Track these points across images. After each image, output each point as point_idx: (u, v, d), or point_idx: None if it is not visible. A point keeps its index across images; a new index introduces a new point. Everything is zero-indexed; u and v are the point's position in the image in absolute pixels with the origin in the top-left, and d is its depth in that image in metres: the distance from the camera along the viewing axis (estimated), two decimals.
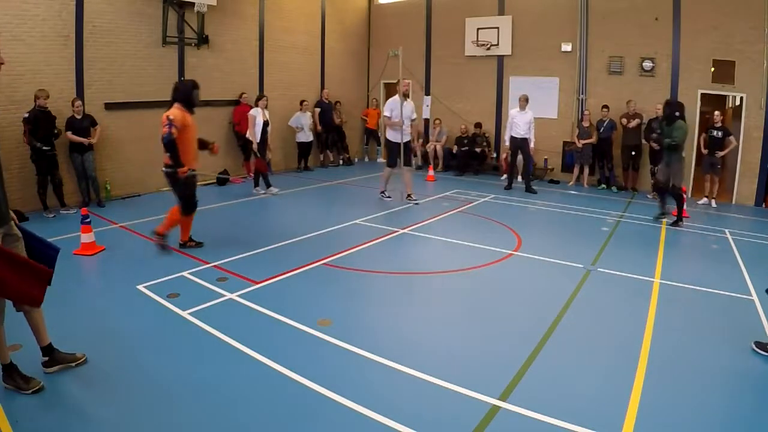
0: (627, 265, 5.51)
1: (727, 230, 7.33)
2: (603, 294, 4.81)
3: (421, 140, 12.69)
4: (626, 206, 8.82)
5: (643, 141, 9.64)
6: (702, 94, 9.55)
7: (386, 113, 8.39)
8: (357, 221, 7.14)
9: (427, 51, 12.92)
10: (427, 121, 12.89)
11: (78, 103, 7.46)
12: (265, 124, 8.89)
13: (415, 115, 8.68)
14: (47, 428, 2.68)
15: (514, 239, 6.51)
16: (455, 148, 11.83)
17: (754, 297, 4.71)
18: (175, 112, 5.44)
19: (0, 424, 2.66)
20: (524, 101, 9.61)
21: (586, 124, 10.27)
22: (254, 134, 8.79)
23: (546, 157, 11.19)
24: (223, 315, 4.09)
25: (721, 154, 8.77)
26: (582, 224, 7.38)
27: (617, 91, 10.26)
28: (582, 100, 10.75)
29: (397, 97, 8.37)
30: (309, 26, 12.15)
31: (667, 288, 4.94)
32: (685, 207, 8.15)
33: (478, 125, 11.82)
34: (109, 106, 8.25)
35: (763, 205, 9.20)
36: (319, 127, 11.94)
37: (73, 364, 3.24)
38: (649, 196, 9.64)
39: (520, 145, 9.71)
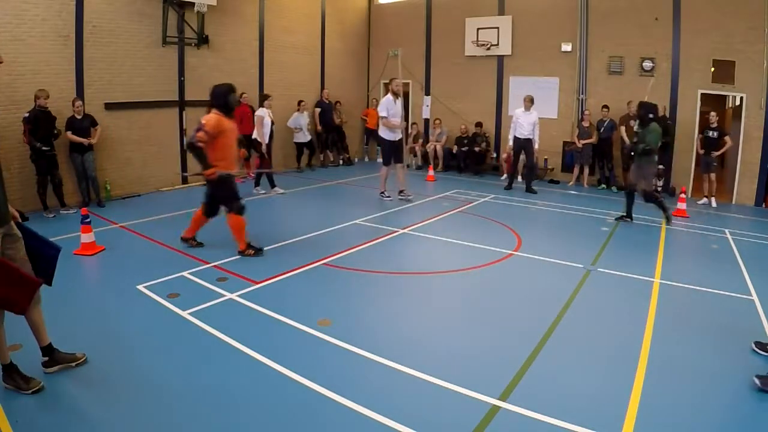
0: (627, 265, 5.51)
1: (727, 230, 7.33)
2: (603, 294, 4.81)
3: (421, 140, 12.73)
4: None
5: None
6: (702, 94, 9.55)
7: (383, 113, 8.41)
8: (357, 221, 7.14)
9: (427, 51, 12.92)
10: (427, 121, 12.90)
11: (78, 103, 7.46)
12: (271, 123, 8.94)
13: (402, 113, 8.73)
14: (47, 428, 2.68)
15: (514, 239, 6.51)
16: (455, 148, 11.83)
17: (754, 297, 4.71)
18: (211, 116, 5.37)
19: (0, 424, 2.66)
20: (529, 102, 9.56)
21: (586, 124, 10.28)
22: (263, 134, 8.78)
23: (546, 157, 11.19)
24: (223, 315, 4.09)
25: (717, 154, 8.78)
26: (582, 224, 7.38)
27: (617, 91, 10.27)
28: (582, 100, 10.75)
29: (390, 96, 8.40)
30: (309, 26, 12.15)
31: (667, 288, 4.94)
32: (685, 207, 8.18)
33: (478, 125, 11.83)
34: (109, 106, 8.25)
35: (763, 205, 9.20)
36: (319, 127, 11.94)
37: (73, 364, 3.24)
38: None
39: (523, 145, 9.67)
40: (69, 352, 3.26)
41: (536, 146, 9.66)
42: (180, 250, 5.71)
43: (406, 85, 12.54)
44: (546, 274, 5.45)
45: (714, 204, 8.96)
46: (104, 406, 2.89)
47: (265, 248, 5.76)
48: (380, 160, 9.24)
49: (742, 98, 9.26)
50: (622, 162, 10.15)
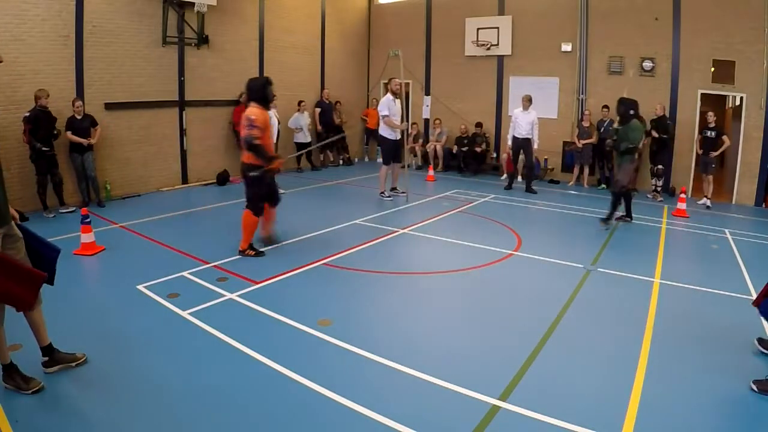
0: (627, 265, 5.51)
1: (727, 230, 7.33)
2: (603, 294, 4.81)
3: (421, 140, 12.73)
4: None
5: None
6: (702, 94, 9.55)
7: (385, 112, 8.44)
8: (357, 221, 7.14)
9: (427, 51, 12.92)
10: (427, 121, 12.90)
11: (78, 103, 7.46)
12: (278, 123, 9.00)
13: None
14: (47, 428, 2.68)
15: (514, 239, 6.51)
16: (455, 148, 11.83)
17: (754, 297, 4.70)
18: (256, 111, 5.34)
19: (0, 424, 2.66)
20: (527, 101, 9.59)
21: (586, 124, 10.28)
22: (272, 134, 8.78)
23: (546, 157, 11.19)
24: (223, 315, 4.09)
25: (715, 154, 8.77)
26: (582, 224, 7.37)
27: (617, 91, 10.24)
28: (582, 100, 10.75)
29: (390, 95, 8.44)
30: (309, 26, 12.15)
31: (667, 288, 4.94)
32: (685, 207, 8.17)
33: (478, 125, 11.83)
34: (109, 106, 8.25)
35: (763, 205, 9.20)
36: (319, 127, 11.94)
37: (73, 364, 3.24)
38: (649, 196, 9.66)
39: (522, 145, 9.68)
40: (69, 352, 3.26)
41: (535, 146, 9.68)
42: (180, 250, 5.70)
43: (406, 85, 12.54)
44: (546, 274, 5.44)
45: (709, 204, 8.94)
46: (104, 406, 2.89)
47: (265, 248, 5.77)
48: (380, 160, 9.27)
49: (742, 98, 9.26)
50: None
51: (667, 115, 9.57)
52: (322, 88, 12.47)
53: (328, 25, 12.61)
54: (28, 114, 6.83)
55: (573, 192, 10.08)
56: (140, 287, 4.59)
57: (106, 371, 3.24)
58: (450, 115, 12.46)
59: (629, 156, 7.05)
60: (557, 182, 10.99)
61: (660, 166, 9.53)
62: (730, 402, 3.08)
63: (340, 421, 2.79)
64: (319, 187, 10.01)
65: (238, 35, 10.36)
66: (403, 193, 8.80)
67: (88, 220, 5.65)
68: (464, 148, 11.71)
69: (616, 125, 7.42)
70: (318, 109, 11.93)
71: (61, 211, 7.29)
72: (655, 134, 9.36)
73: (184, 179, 9.65)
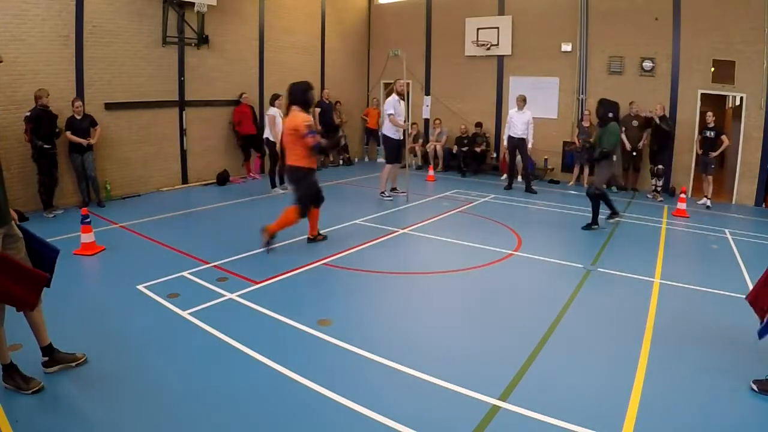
0: (627, 265, 5.51)
1: (727, 230, 7.33)
2: (603, 294, 4.81)
3: (421, 140, 12.73)
4: (626, 206, 8.82)
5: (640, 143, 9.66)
6: (702, 94, 9.55)
7: (390, 111, 8.48)
8: (357, 221, 7.14)
9: (427, 51, 12.92)
10: (427, 121, 12.90)
11: (78, 103, 7.45)
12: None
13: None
14: (47, 428, 2.68)
15: (514, 239, 6.51)
16: (455, 148, 11.83)
17: None
18: (306, 117, 5.60)
19: (0, 424, 2.66)
20: (521, 101, 9.67)
21: (586, 124, 10.27)
22: (276, 134, 8.80)
23: (546, 157, 11.19)
24: (223, 315, 4.09)
25: (714, 154, 8.76)
26: (582, 224, 7.35)
27: (617, 91, 10.25)
28: (582, 100, 10.75)
29: (395, 96, 8.48)
30: (309, 26, 12.15)
31: (667, 288, 4.94)
32: (685, 207, 8.17)
33: (478, 125, 11.83)
34: (109, 106, 8.25)
35: (763, 205, 9.20)
36: (319, 127, 11.92)
37: (73, 364, 3.24)
38: (649, 196, 9.66)
39: (517, 144, 9.75)
40: (69, 352, 3.26)
41: (530, 145, 9.73)
42: (180, 250, 5.70)
43: (407, 85, 12.54)
44: (546, 274, 5.45)
45: (709, 204, 8.93)
46: (104, 406, 2.89)
47: (265, 248, 5.78)
48: (380, 159, 9.29)
49: (742, 98, 9.26)
50: (622, 162, 10.16)
51: (668, 115, 9.56)
52: (322, 88, 12.46)
53: (328, 25, 12.60)
54: (29, 113, 6.83)
55: (573, 192, 10.08)
56: (140, 287, 4.59)
57: (106, 371, 3.24)
58: (450, 115, 12.45)
59: (606, 161, 6.90)
60: (557, 182, 10.99)
61: (660, 166, 9.53)
62: (730, 402, 3.08)
63: (340, 421, 2.79)
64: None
65: (238, 35, 10.36)
66: (403, 193, 8.80)
67: (88, 220, 5.65)
68: (464, 148, 11.71)
69: (596, 127, 7.24)
70: (318, 109, 11.92)
71: (48, 213, 7.11)
72: (663, 126, 9.32)
73: (184, 179, 9.64)
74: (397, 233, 6.64)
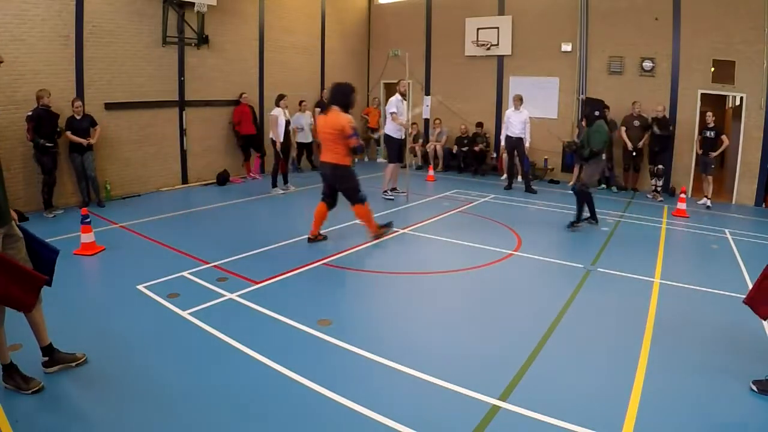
0: (627, 265, 5.51)
1: (727, 230, 7.33)
2: (603, 294, 4.81)
3: (421, 140, 12.73)
4: (626, 206, 8.82)
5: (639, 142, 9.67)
6: (702, 94, 9.55)
7: (393, 109, 8.53)
8: (357, 221, 7.13)
9: (427, 51, 12.91)
10: (427, 121, 12.89)
11: (78, 103, 7.45)
12: (287, 123, 9.09)
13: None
14: (47, 428, 2.68)
15: (514, 239, 6.51)
16: (455, 148, 11.83)
17: None
18: (350, 118, 5.86)
19: (0, 424, 2.66)
20: (518, 101, 9.68)
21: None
22: (278, 134, 8.90)
23: (546, 157, 11.19)
24: (223, 315, 4.09)
25: (715, 154, 8.76)
26: (583, 224, 7.35)
27: (617, 91, 10.27)
28: (582, 100, 10.74)
29: (398, 95, 8.52)
30: (309, 26, 12.15)
31: (667, 288, 4.94)
32: (685, 207, 8.17)
33: (478, 125, 11.83)
34: (109, 106, 8.25)
35: (763, 205, 9.20)
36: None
37: (73, 365, 3.24)
38: (649, 196, 9.66)
39: (515, 144, 9.76)
40: (69, 352, 3.26)
41: (527, 144, 9.75)
42: (180, 250, 5.70)
43: (407, 85, 12.54)
44: (546, 274, 5.45)
45: (709, 204, 8.93)
46: (104, 406, 2.89)
47: (265, 248, 5.78)
48: (381, 159, 9.29)
49: (742, 98, 9.26)
50: (623, 162, 10.16)
51: (668, 115, 9.57)
52: (322, 88, 12.46)
53: (328, 25, 12.60)
54: (30, 113, 6.84)
55: (573, 192, 10.06)
56: (140, 287, 4.59)
57: (106, 371, 3.24)
58: (450, 115, 12.45)
59: (594, 159, 6.87)
60: (557, 182, 10.99)
61: (660, 166, 9.53)
62: (730, 402, 3.08)
63: (340, 421, 2.79)
64: (320, 187, 9.97)
65: (238, 35, 10.36)
66: (403, 193, 8.81)
67: (88, 220, 5.65)
68: (464, 148, 11.71)
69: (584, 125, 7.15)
70: (318, 109, 11.90)
71: (47, 213, 7.08)
72: (656, 130, 9.34)
73: (184, 179, 9.64)
74: (397, 233, 6.63)
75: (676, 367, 3.45)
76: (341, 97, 5.86)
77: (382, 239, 6.23)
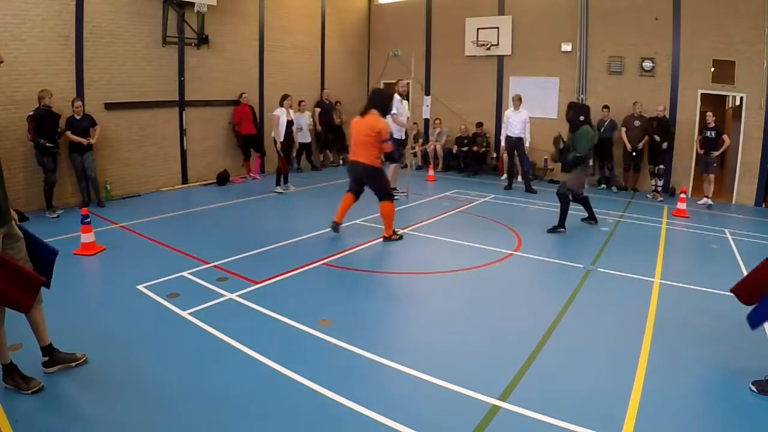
0: (627, 265, 5.51)
1: (727, 230, 7.33)
2: (603, 294, 4.81)
3: (421, 140, 12.73)
4: (626, 206, 8.83)
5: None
6: (702, 94, 9.55)
7: (393, 110, 8.49)
8: (357, 221, 7.14)
9: (427, 51, 12.91)
10: (427, 121, 12.89)
11: (78, 103, 7.45)
12: (290, 123, 9.11)
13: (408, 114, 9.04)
14: (47, 428, 2.68)
15: (514, 239, 6.51)
16: (455, 148, 11.83)
17: None
18: (386, 122, 6.17)
19: (0, 424, 2.66)
20: (517, 101, 9.69)
21: None
22: (279, 133, 8.94)
23: (546, 157, 11.18)
24: (223, 315, 4.09)
25: (716, 153, 8.77)
26: (582, 224, 7.36)
27: (617, 91, 10.27)
28: (582, 100, 10.74)
29: (397, 96, 8.50)
30: (309, 26, 12.14)
31: (667, 288, 4.94)
32: (685, 207, 8.16)
33: (478, 125, 11.83)
34: (109, 106, 8.25)
35: (763, 205, 9.20)
36: (318, 127, 11.94)
37: (73, 365, 3.24)
38: (649, 196, 9.66)
39: (515, 144, 9.77)
40: (69, 352, 3.26)
41: (527, 144, 9.76)
42: (180, 250, 5.70)
43: (406, 85, 12.53)
44: (546, 274, 5.45)
45: (710, 203, 8.93)
46: (104, 406, 2.89)
47: (265, 248, 5.78)
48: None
49: (742, 98, 9.26)
50: (623, 162, 10.16)
51: (667, 115, 9.57)
52: (322, 88, 12.47)
53: (328, 25, 12.60)
54: (32, 113, 6.84)
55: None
56: (140, 287, 4.59)
57: (106, 371, 3.24)
58: (450, 115, 12.45)
59: (581, 166, 6.77)
60: (557, 182, 10.95)
61: (661, 166, 9.53)
62: (730, 402, 3.08)
63: (340, 421, 2.79)
64: (320, 187, 10.01)
65: (238, 35, 10.36)
66: (403, 193, 8.80)
67: (88, 220, 5.65)
68: (464, 148, 11.71)
69: (567, 132, 7.02)
70: (318, 109, 11.93)
71: (48, 215, 7.06)
72: (657, 138, 9.33)
73: (184, 179, 9.65)
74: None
75: (676, 367, 3.45)
76: (380, 102, 6.14)
77: (388, 243, 6.24)
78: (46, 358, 3.16)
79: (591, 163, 7.02)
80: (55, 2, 7.39)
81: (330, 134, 12.36)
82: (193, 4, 8.97)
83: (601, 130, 10.05)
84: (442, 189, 9.86)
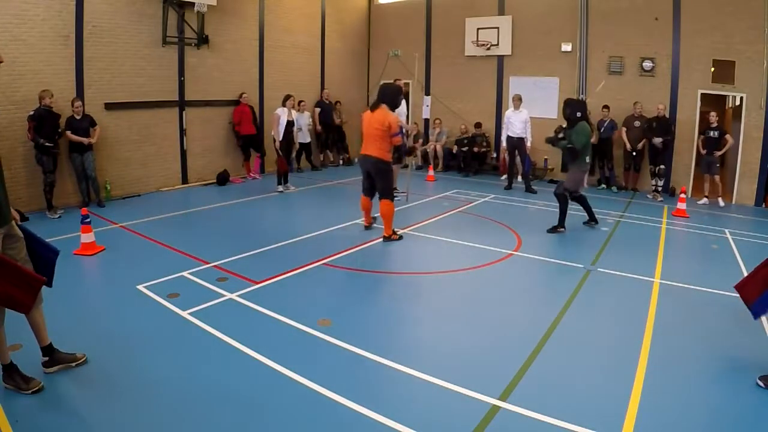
0: (627, 265, 5.51)
1: (727, 230, 7.33)
2: (603, 294, 4.81)
3: (420, 140, 12.72)
4: (626, 206, 8.83)
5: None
6: (702, 94, 9.55)
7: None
8: (357, 221, 7.13)
9: (427, 51, 12.91)
10: (427, 121, 12.89)
11: (78, 103, 7.45)
12: (290, 123, 9.14)
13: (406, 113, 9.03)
14: (47, 428, 2.68)
15: (514, 239, 6.51)
16: (455, 148, 11.83)
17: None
18: (396, 116, 6.27)
19: (0, 424, 2.66)
20: (518, 100, 9.70)
21: None
22: (278, 132, 8.99)
23: (546, 157, 11.19)
24: (223, 315, 4.09)
25: (719, 153, 8.77)
26: (581, 224, 7.36)
27: (617, 91, 10.27)
28: (582, 100, 10.74)
29: None
30: (309, 26, 12.14)
31: (667, 288, 4.94)
32: (685, 207, 8.16)
33: (478, 125, 11.82)
34: (109, 106, 8.25)
35: (763, 205, 9.20)
36: (318, 127, 11.94)
37: (73, 365, 3.24)
38: (649, 196, 9.66)
39: (516, 144, 9.77)
40: (69, 352, 3.26)
41: (529, 144, 9.76)
42: (180, 250, 5.70)
43: (407, 84, 12.55)
44: (546, 274, 5.45)
45: (722, 204, 8.95)
46: (104, 406, 2.89)
47: (265, 248, 5.78)
48: None
49: (742, 98, 9.26)
50: (624, 162, 10.16)
51: (668, 115, 9.57)
52: (322, 88, 12.47)
53: (328, 25, 12.60)
54: (32, 113, 6.84)
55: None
56: (140, 287, 4.59)
57: (106, 371, 3.24)
58: (450, 115, 12.45)
59: (578, 160, 6.74)
60: (557, 182, 10.96)
61: (661, 166, 9.53)
62: (731, 402, 3.08)
63: (339, 421, 2.79)
64: (319, 187, 10.01)
65: (238, 35, 10.36)
66: (403, 193, 8.80)
67: (88, 220, 5.65)
68: (464, 148, 11.71)
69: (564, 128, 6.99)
70: (318, 109, 11.93)
71: (49, 215, 7.07)
72: (656, 141, 9.31)
73: (184, 179, 9.64)
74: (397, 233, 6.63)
75: (676, 367, 3.45)
76: (390, 96, 6.25)
77: (388, 243, 6.24)
78: (46, 358, 3.16)
79: (588, 160, 6.96)
80: (55, 2, 7.38)
81: (330, 134, 12.36)
82: (193, 4, 8.97)
83: (601, 130, 10.05)
84: (442, 189, 9.87)
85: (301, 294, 4.62)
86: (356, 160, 12.71)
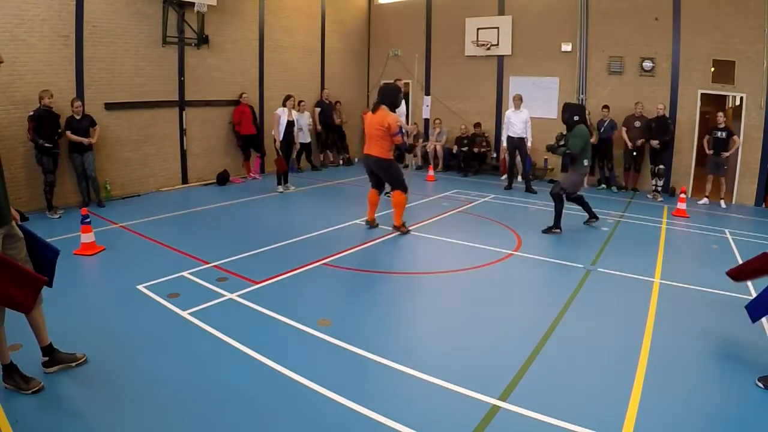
0: (627, 265, 5.51)
1: (727, 230, 7.33)
2: (603, 294, 4.81)
3: (420, 140, 12.72)
4: (626, 206, 8.83)
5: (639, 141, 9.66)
6: (702, 94, 9.55)
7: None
8: (357, 221, 7.14)
9: (427, 51, 12.91)
10: (427, 121, 12.89)
11: (77, 103, 7.45)
12: (290, 124, 9.16)
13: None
14: (47, 428, 2.68)
15: (514, 239, 6.51)
16: (455, 148, 11.83)
17: (754, 296, 4.69)
18: (397, 117, 6.41)
19: (0, 424, 2.66)
20: (518, 100, 9.70)
21: None
22: (278, 132, 9.04)
23: (546, 157, 11.19)
24: (223, 315, 4.09)
25: (727, 154, 8.76)
26: (582, 224, 7.36)
27: (617, 91, 10.27)
28: (582, 100, 10.75)
29: None
30: (309, 26, 12.15)
31: (667, 288, 4.94)
32: (685, 207, 8.16)
33: (477, 125, 11.82)
34: (109, 106, 8.25)
35: (763, 205, 9.20)
36: (318, 127, 11.94)
37: (73, 365, 3.24)
38: (649, 196, 9.66)
39: (517, 144, 9.77)
40: (69, 352, 3.26)
41: (529, 144, 9.77)
42: (180, 250, 5.70)
43: (406, 85, 12.54)
44: (546, 274, 5.45)
45: (723, 205, 8.94)
46: (104, 406, 2.89)
47: (265, 248, 5.78)
48: None
49: (742, 98, 9.26)
50: (624, 162, 10.16)
51: (667, 115, 9.57)
52: (322, 88, 12.47)
53: (328, 25, 12.60)
54: (32, 113, 6.84)
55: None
56: (140, 287, 4.59)
57: (106, 371, 3.24)
58: (450, 115, 12.45)
59: (577, 163, 6.74)
60: (556, 182, 10.97)
61: (661, 166, 9.53)
62: (731, 402, 3.08)
63: (339, 421, 2.79)
64: (319, 187, 10.01)
65: (238, 35, 10.36)
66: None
67: (88, 220, 5.65)
68: (464, 148, 11.71)
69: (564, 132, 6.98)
70: (318, 109, 11.93)
71: (49, 215, 7.06)
72: (654, 144, 9.32)
73: (184, 179, 9.64)
74: (396, 233, 6.63)
75: (676, 366, 3.46)
76: (389, 97, 6.40)
77: (391, 235, 6.29)
78: (46, 358, 3.16)
79: (586, 163, 6.94)
80: (55, 2, 7.38)
81: (330, 134, 12.36)
82: (193, 4, 8.97)
83: (601, 130, 10.05)
84: (442, 189, 9.86)
85: (301, 294, 4.62)
86: (356, 159, 12.78)
